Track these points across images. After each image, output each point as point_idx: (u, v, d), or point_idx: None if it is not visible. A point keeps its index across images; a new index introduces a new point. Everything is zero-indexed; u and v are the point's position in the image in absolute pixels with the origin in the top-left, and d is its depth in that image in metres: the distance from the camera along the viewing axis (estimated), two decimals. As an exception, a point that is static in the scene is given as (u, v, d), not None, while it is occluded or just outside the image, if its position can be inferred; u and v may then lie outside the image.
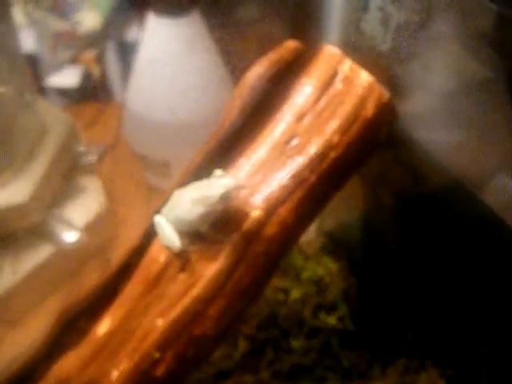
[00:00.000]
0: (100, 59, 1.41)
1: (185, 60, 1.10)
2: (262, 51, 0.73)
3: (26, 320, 0.99)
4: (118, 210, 1.19)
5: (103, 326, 0.61)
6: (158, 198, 0.71)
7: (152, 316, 0.59)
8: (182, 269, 0.61)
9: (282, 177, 0.61)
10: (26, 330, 0.98)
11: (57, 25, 1.41)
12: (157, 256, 0.61)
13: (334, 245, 1.08)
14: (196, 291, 0.58)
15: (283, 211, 0.61)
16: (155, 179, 1.24)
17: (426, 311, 0.94)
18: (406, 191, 0.93)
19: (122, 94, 1.54)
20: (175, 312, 0.59)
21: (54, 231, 1.05)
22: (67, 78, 1.45)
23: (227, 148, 0.66)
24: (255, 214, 0.59)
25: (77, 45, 1.41)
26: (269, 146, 0.62)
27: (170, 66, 1.09)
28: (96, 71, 1.46)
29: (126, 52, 1.38)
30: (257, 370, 0.90)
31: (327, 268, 1.03)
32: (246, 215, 0.59)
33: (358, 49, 0.73)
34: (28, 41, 1.33)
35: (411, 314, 0.97)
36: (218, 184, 0.60)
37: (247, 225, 0.60)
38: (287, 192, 0.62)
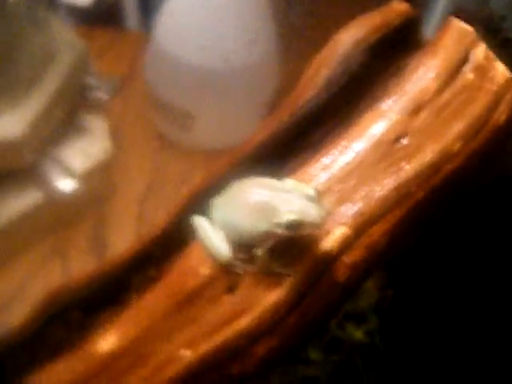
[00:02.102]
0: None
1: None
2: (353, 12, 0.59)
3: (4, 271, 0.90)
4: (121, 157, 1.06)
5: (107, 342, 0.51)
6: (195, 176, 0.54)
7: (177, 343, 0.48)
8: (230, 290, 0.49)
9: (380, 187, 0.49)
10: (2, 283, 0.90)
11: None
12: (195, 266, 0.51)
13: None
14: (244, 322, 0.47)
15: (375, 232, 0.49)
16: (172, 131, 1.13)
17: (470, 340, 0.83)
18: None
19: (140, 21, 1.37)
20: (211, 344, 0.48)
21: (46, 175, 0.93)
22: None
23: (302, 133, 0.53)
24: (340, 231, 0.48)
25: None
26: (367, 142, 0.46)
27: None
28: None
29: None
30: (267, 378, 0.75)
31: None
32: (326, 232, 0.48)
33: (478, 30, 0.55)
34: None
35: (450, 340, 0.85)
36: (297, 199, 0.47)
37: (327, 244, 0.48)
38: (384, 208, 0.49)
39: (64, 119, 0.98)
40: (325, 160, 0.51)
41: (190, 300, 0.49)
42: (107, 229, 1.02)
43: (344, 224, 0.48)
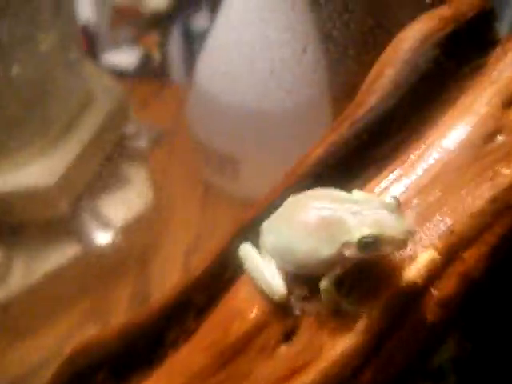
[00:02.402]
0: (163, 44, 1.30)
1: (272, 34, 0.90)
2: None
3: (36, 334, 0.84)
4: (165, 209, 1.01)
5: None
6: (245, 208, 0.46)
7: None
8: (287, 337, 0.39)
9: (473, 198, 0.39)
10: (35, 345, 0.83)
11: (119, -1, 1.27)
12: (243, 308, 0.41)
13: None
14: (306, 379, 0.37)
15: (471, 256, 0.39)
16: (217, 178, 1.06)
17: None
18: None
19: (183, 77, 1.35)
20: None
21: (83, 228, 0.88)
22: (125, 57, 1.30)
23: (367, 145, 0.45)
24: (427, 256, 0.38)
25: (138, 24, 1.29)
26: (452, 144, 0.35)
27: (252, 40, 0.91)
28: (157, 56, 1.31)
29: (191, 40, 1.27)
30: None
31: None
32: (408, 257, 0.38)
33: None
34: (84, 9, 1.21)
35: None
36: (372, 210, 0.37)
37: (410, 273, 0.38)
38: (480, 225, 0.39)
39: (103, 169, 0.94)
40: (398, 170, 0.40)
41: (237, 352, 0.40)
42: (150, 285, 0.94)
43: (430, 246, 0.37)
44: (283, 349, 0.39)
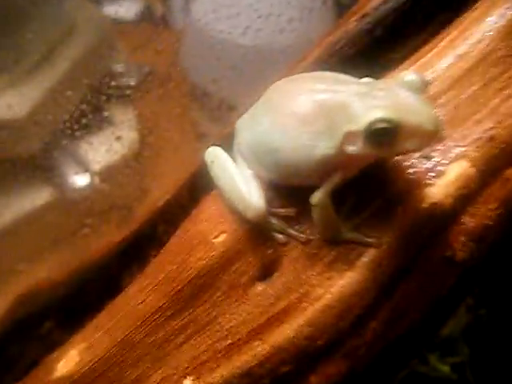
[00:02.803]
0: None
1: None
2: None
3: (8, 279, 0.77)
4: (151, 155, 0.92)
5: (66, 364, 0.35)
6: None
7: (174, 365, 0.32)
8: (265, 272, 0.30)
9: None
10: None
11: None
12: (206, 231, 0.32)
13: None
14: (291, 329, 0.29)
15: None
16: (212, 125, 0.99)
17: None
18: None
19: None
20: (229, 369, 0.30)
21: (59, 170, 0.84)
22: (126, 8, 1.20)
23: (382, 38, 0.37)
24: (458, 169, 0.29)
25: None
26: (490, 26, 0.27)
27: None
28: (158, 9, 1.21)
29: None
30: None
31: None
32: (434, 170, 0.29)
33: None
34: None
35: None
36: (389, 90, 0.27)
37: (435, 193, 0.29)
38: None
39: (83, 107, 0.87)
40: (423, 59, 0.31)
41: (198, 290, 0.33)
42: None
43: (463, 157, 0.28)
44: (259, 288, 0.30)
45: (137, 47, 1.19)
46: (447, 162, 0.29)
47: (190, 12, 0.98)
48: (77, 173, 0.84)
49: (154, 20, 1.34)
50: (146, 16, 1.29)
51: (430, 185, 0.29)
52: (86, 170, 0.84)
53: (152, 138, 0.97)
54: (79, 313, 0.45)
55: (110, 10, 1.24)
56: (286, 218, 0.30)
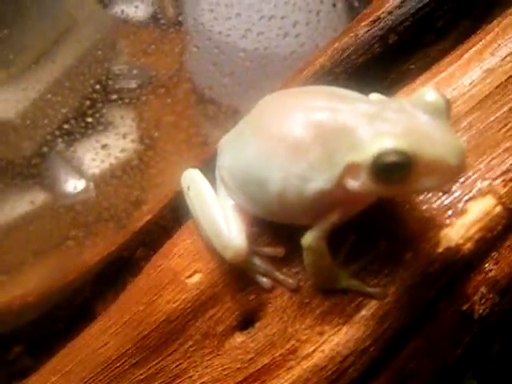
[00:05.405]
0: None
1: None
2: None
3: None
4: (151, 160, 0.90)
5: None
6: None
7: None
8: (246, 321, 0.25)
9: None
10: None
11: None
12: (178, 269, 0.27)
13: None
14: None
15: None
16: (215, 131, 0.95)
17: None
18: None
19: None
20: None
21: (52, 174, 0.83)
22: (134, 10, 1.18)
23: (395, 46, 0.32)
24: (483, 207, 0.23)
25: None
26: None
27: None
28: (170, 12, 1.18)
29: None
30: None
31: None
32: (454, 207, 0.24)
33: None
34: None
35: None
36: (401, 113, 0.21)
37: (454, 236, 0.23)
38: None
39: (81, 108, 0.86)
40: (444, 73, 0.26)
41: (167, 337, 0.25)
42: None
43: (489, 192, 0.23)
44: (238, 340, 0.25)
45: (143, 49, 1.21)
46: (469, 197, 0.24)
47: (191, 13, 0.97)
48: (73, 177, 0.83)
49: (165, 22, 1.36)
50: (157, 18, 1.32)
51: (447, 225, 0.24)
52: (80, 177, 0.83)
53: (150, 144, 0.92)
54: (50, 338, 0.42)
55: (124, 9, 1.26)
56: (272, 259, 0.26)
